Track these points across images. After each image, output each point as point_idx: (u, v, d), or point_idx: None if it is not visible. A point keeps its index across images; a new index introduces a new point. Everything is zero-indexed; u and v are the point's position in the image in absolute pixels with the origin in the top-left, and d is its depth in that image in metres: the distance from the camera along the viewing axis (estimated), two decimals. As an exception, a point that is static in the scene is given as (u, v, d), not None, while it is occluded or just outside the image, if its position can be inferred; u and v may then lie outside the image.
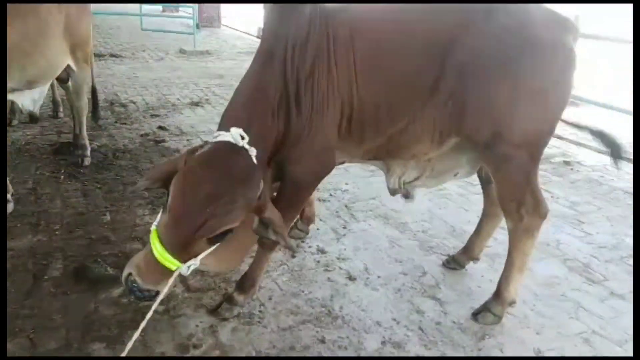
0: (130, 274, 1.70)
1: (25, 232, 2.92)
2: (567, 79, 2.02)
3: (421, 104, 2.05)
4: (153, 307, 1.73)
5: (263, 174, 1.86)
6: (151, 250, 1.68)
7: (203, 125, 5.19)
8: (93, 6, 4.61)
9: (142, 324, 1.68)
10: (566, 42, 1.99)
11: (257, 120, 1.92)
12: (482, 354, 2.16)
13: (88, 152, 3.98)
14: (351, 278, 2.64)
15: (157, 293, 1.72)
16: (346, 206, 3.48)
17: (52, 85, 4.66)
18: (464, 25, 1.98)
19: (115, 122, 5.12)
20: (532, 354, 2.18)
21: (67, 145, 4.18)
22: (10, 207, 3.14)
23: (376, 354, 2.13)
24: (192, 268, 1.72)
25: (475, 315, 2.35)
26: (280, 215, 1.81)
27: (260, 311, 2.35)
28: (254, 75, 2.02)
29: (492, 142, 2.03)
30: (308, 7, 1.99)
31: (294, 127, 2.00)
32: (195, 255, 1.71)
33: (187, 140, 4.71)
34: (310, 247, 2.94)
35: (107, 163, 4.02)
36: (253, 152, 1.80)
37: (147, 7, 11.96)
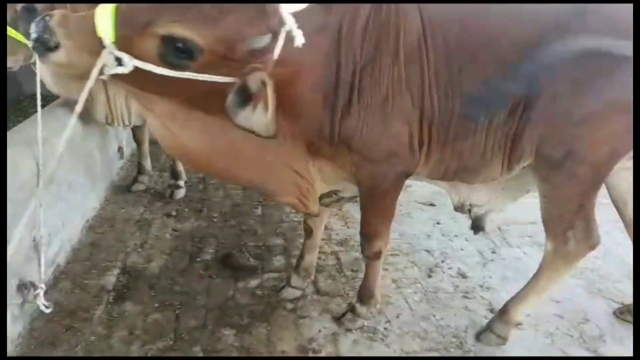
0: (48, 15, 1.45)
1: (189, 216, 3.27)
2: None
3: (499, 118, 1.80)
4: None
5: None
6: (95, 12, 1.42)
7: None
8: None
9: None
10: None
11: None
12: None
13: None
14: (493, 311, 2.35)
15: (57, 46, 1.43)
16: (499, 228, 3.13)
17: None
18: (555, 29, 1.73)
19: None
20: None
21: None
22: (182, 192, 3.55)
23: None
24: (122, 68, 1.43)
25: (478, 335, 2.17)
26: (272, 97, 1.46)
27: (385, 328, 2.24)
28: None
29: (563, 161, 1.80)
30: None
31: (344, 120, 1.76)
32: (137, 55, 1.42)
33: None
34: (450, 268, 2.71)
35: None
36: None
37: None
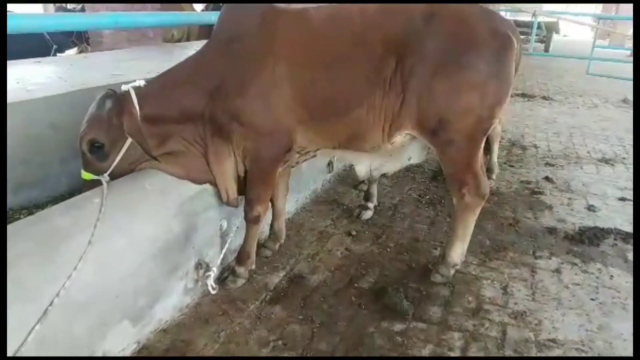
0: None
1: (366, 239, 3.28)
2: (504, 68, 2.31)
3: (374, 96, 2.35)
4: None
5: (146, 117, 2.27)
6: None
7: (600, 185, 4.37)
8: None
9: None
10: (499, 33, 2.31)
11: (173, 90, 2.36)
12: None
13: (493, 176, 4.38)
14: None
15: None
16: None
17: None
18: (413, 31, 2.30)
19: (504, 162, 4.99)
20: None
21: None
22: (368, 214, 3.59)
23: None
24: (106, 180, 2.18)
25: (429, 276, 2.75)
26: (135, 126, 2.22)
27: None
28: (199, 56, 2.47)
29: (437, 129, 2.34)
30: (261, 7, 2.42)
31: (232, 105, 2.35)
32: (103, 169, 2.23)
33: (569, 199, 4.08)
34: None
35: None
36: (132, 95, 2.24)
37: (597, 50, 10.94)
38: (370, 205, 3.64)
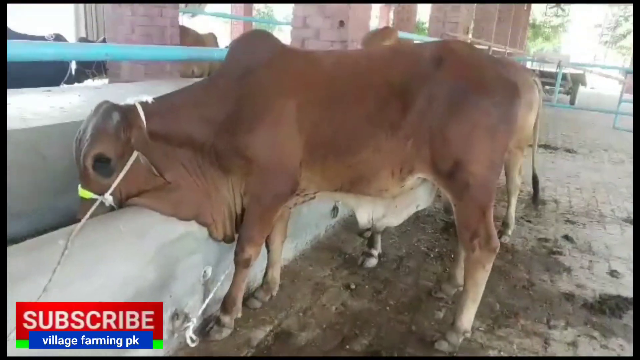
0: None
1: (365, 295, 3.04)
2: (511, 114, 2.31)
3: (381, 139, 2.27)
4: (77, 228, 1.91)
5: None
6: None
7: (624, 248, 4.06)
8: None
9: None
10: (507, 80, 2.31)
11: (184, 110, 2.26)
12: None
13: (509, 231, 4.11)
14: None
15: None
16: None
17: None
18: (420, 75, 2.27)
19: (522, 217, 4.72)
20: None
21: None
22: (372, 262, 3.38)
23: None
24: (109, 201, 2.10)
25: (433, 342, 2.54)
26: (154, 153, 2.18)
27: None
28: (210, 84, 2.43)
29: (454, 172, 2.28)
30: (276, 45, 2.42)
31: (240, 140, 2.25)
32: (104, 188, 2.09)
33: (590, 261, 3.78)
34: None
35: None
36: (139, 109, 2.15)
37: (625, 105, 10.67)
38: (375, 252, 3.43)
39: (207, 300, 2.50)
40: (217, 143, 2.25)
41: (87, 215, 1.93)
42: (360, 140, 2.30)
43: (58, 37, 5.77)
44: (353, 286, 3.13)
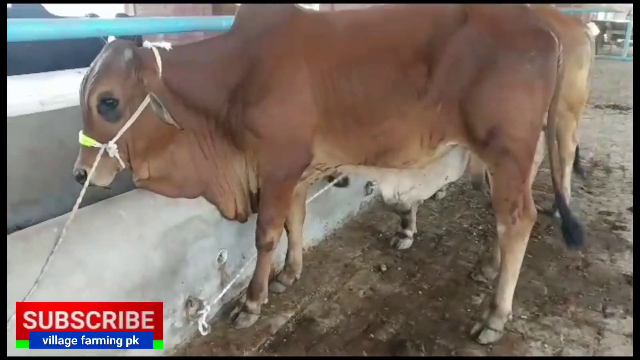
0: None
1: (397, 278, 2.84)
2: (548, 68, 2.05)
3: (406, 105, 2.06)
4: (85, 185, 1.87)
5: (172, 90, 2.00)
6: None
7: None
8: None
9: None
10: (540, 32, 2.04)
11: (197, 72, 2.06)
12: None
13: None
14: None
15: (86, 173, 1.88)
16: None
17: None
18: (444, 34, 2.02)
19: (582, 187, 4.28)
20: None
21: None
22: (407, 243, 3.16)
23: None
24: (113, 150, 1.89)
25: (476, 335, 2.30)
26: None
27: None
28: (226, 44, 2.14)
29: (491, 137, 2.05)
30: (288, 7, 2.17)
31: (247, 112, 2.06)
32: (109, 135, 1.89)
33: (660, 238, 3.34)
34: None
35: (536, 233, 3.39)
36: (156, 54, 1.96)
37: None
38: (409, 232, 3.20)
39: (227, 286, 2.41)
40: (229, 115, 2.08)
41: (79, 200, 1.81)
42: (384, 108, 2.08)
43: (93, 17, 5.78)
44: (384, 268, 2.93)
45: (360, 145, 2.19)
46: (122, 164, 1.93)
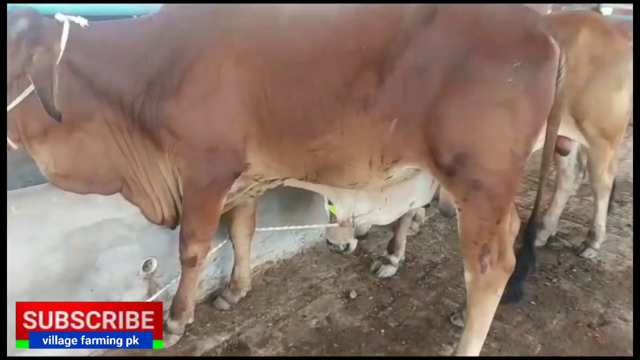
0: None
1: (364, 308, 2.46)
2: (541, 82, 1.62)
3: (350, 118, 1.68)
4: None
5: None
6: None
7: None
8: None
9: None
10: (533, 35, 1.61)
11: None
12: None
13: (596, 244, 3.05)
14: None
15: None
16: None
17: None
18: (402, 35, 1.63)
19: (629, 225, 3.60)
20: None
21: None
22: (388, 271, 2.75)
23: None
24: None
25: None
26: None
27: None
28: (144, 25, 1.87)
29: (458, 166, 1.64)
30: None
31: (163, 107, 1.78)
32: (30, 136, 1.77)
33: None
34: None
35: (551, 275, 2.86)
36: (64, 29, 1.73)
37: None
38: (394, 259, 2.78)
39: (155, 296, 2.17)
40: (144, 109, 1.82)
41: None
42: (324, 120, 1.74)
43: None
44: (353, 295, 2.55)
45: (298, 159, 1.86)
46: (12, 145, 1.74)
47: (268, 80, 1.75)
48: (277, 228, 2.60)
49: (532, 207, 3.62)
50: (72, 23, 1.74)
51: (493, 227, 1.75)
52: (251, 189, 2.08)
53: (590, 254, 3.05)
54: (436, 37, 1.61)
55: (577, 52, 2.47)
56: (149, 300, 2.15)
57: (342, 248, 2.37)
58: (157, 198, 2.00)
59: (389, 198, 2.13)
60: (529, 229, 1.99)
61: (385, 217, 2.23)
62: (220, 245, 2.40)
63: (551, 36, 1.63)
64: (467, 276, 1.85)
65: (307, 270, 2.78)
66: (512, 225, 2.11)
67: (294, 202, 2.76)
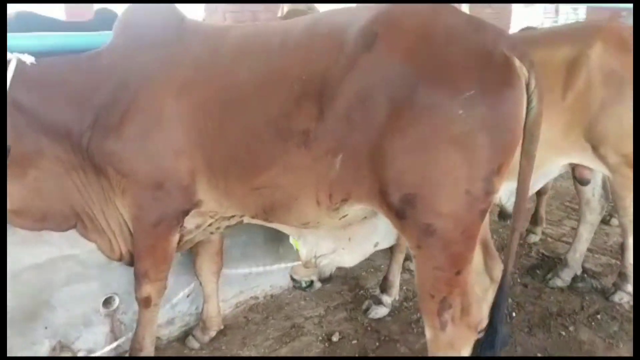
0: None
1: (348, 352, 2.26)
2: (504, 112, 1.40)
3: (291, 155, 1.56)
4: None
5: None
6: None
7: None
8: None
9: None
10: (493, 57, 1.39)
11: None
12: None
13: (627, 286, 2.64)
14: None
15: None
16: None
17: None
18: (343, 62, 1.47)
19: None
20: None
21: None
22: (379, 312, 2.54)
23: None
24: None
25: None
26: None
27: None
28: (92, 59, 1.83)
29: (408, 208, 1.46)
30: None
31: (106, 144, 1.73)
32: None
33: None
34: None
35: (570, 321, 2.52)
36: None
37: None
38: (387, 299, 2.57)
39: (123, 338, 2.12)
40: (92, 145, 1.77)
41: None
42: (265, 156, 1.63)
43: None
44: (336, 339, 2.37)
45: (246, 197, 1.74)
46: None
47: (209, 113, 1.67)
48: (240, 270, 2.48)
49: (565, 239, 3.35)
50: (19, 61, 1.74)
51: (451, 278, 1.53)
52: (210, 225, 1.99)
53: (621, 297, 2.66)
54: (378, 63, 1.44)
55: (589, 71, 2.19)
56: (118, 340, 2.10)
57: (304, 285, 2.21)
58: (114, 234, 1.95)
59: (352, 237, 1.95)
60: (498, 295, 1.69)
61: (349, 258, 2.05)
62: (193, 282, 2.31)
63: (516, 58, 1.41)
64: (427, 333, 1.63)
65: (293, 308, 2.63)
66: (492, 272, 1.87)
67: (280, 234, 2.63)
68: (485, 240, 1.88)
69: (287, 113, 1.55)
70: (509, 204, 2.75)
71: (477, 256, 1.88)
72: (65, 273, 1.94)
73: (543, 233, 3.36)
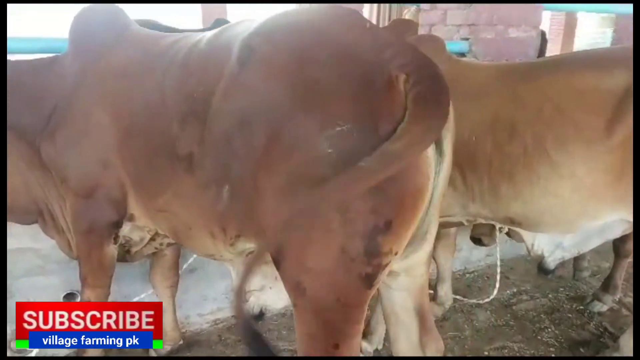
0: None
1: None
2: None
3: (176, 180, 1.42)
4: None
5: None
6: None
7: None
8: None
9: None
10: (378, 79, 1.08)
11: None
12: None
13: None
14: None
15: None
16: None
17: None
18: (222, 81, 1.27)
19: None
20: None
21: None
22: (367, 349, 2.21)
23: None
24: None
25: None
26: None
27: None
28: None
29: (279, 258, 1.21)
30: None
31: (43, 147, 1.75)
32: None
33: None
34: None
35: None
36: None
37: None
38: (368, 347, 2.24)
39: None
40: (40, 147, 1.80)
41: None
42: (157, 179, 1.51)
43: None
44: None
45: (156, 218, 1.64)
46: None
47: (126, 126, 1.58)
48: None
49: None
50: None
51: (329, 352, 1.22)
52: (153, 239, 1.91)
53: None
54: (253, 82, 1.21)
55: (614, 104, 1.63)
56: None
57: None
58: (71, 234, 1.98)
59: (278, 277, 1.69)
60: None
61: (276, 298, 1.78)
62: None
63: (411, 82, 1.06)
64: None
65: (272, 336, 2.43)
66: (426, 349, 1.48)
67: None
68: (422, 312, 1.50)
69: (174, 134, 1.40)
70: (552, 259, 2.26)
71: (413, 328, 1.53)
72: (25, 264, 2.02)
73: (614, 302, 2.63)
